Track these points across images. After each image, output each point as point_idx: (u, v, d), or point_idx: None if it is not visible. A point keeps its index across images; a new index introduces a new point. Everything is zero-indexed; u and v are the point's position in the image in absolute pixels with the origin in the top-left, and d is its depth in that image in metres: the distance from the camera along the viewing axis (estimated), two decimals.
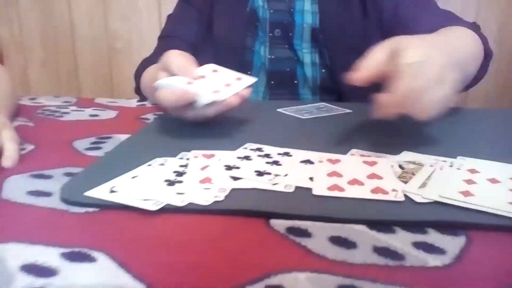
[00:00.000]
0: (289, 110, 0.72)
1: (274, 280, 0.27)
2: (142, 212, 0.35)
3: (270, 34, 0.85)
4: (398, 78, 0.45)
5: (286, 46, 0.85)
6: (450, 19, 0.77)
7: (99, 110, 0.73)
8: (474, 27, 0.76)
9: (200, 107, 0.54)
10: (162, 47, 0.88)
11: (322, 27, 0.83)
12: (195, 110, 0.55)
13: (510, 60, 1.39)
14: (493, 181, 0.41)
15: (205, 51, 0.85)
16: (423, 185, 0.40)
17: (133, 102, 0.79)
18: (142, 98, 0.84)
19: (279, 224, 0.34)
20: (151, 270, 0.28)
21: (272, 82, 0.87)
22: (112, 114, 0.71)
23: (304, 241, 0.32)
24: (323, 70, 0.85)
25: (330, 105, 0.76)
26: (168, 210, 0.36)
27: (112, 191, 0.39)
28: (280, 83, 0.86)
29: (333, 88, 0.85)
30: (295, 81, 0.86)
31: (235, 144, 0.51)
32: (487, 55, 0.74)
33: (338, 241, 0.32)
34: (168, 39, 0.90)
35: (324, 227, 0.34)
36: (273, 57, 0.86)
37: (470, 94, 1.42)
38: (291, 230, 0.33)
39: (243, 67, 0.85)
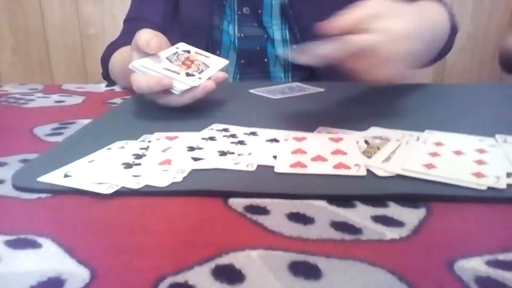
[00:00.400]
0: (260, 91, 0.71)
1: (225, 259, 0.26)
2: (96, 196, 0.34)
3: (239, 12, 0.83)
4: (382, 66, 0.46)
5: (256, 24, 0.84)
6: None
7: (65, 96, 0.70)
8: (442, 2, 0.75)
9: (177, 93, 0.53)
10: (129, 30, 0.85)
11: (291, 3, 0.82)
12: (171, 97, 0.54)
13: (485, 36, 1.39)
14: (458, 153, 0.40)
15: (173, 31, 0.83)
16: (387, 159, 0.39)
17: (102, 87, 0.77)
18: (112, 83, 0.82)
19: (238, 203, 0.33)
20: (98, 254, 0.27)
21: (242, 61, 0.85)
22: (78, 99, 0.68)
23: (261, 219, 0.31)
24: (294, 47, 0.84)
25: (303, 85, 0.75)
26: (123, 193, 0.34)
27: (66, 176, 0.37)
28: (251, 62, 0.85)
29: (304, 65, 0.84)
30: (266, 60, 0.84)
31: (202, 126, 0.49)
32: (454, 29, 0.74)
33: (295, 217, 0.31)
34: (135, 22, 0.87)
35: (283, 204, 0.33)
36: (242, 35, 0.84)
37: (446, 70, 1.43)
38: (249, 208, 0.32)
39: (212, 47, 0.83)
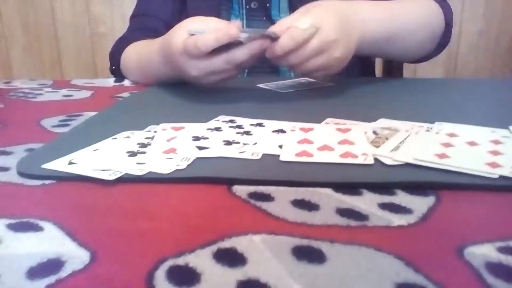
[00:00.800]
0: (269, 85, 0.70)
1: (227, 243, 0.26)
2: (100, 182, 0.34)
3: (247, 7, 0.83)
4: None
5: (264, 18, 0.84)
6: None
7: (74, 91, 0.71)
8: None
9: (244, 40, 0.51)
10: (138, 26, 0.86)
11: None
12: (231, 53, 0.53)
13: (498, 33, 1.37)
14: (472, 143, 0.39)
15: None
16: (396, 148, 0.38)
17: (111, 82, 0.77)
18: (121, 78, 0.82)
19: (242, 190, 0.32)
20: (99, 237, 0.27)
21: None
22: (87, 94, 0.69)
23: (265, 205, 0.30)
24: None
25: (311, 80, 0.74)
26: (127, 180, 0.34)
27: (70, 163, 0.37)
28: (259, 57, 0.84)
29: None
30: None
31: (209, 118, 0.49)
32: (448, 25, 0.74)
33: (300, 204, 0.30)
34: (144, 18, 0.87)
35: (288, 191, 0.32)
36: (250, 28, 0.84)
37: (458, 67, 1.41)
38: (253, 195, 0.32)
39: None
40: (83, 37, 1.46)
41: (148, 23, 0.85)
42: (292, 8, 0.82)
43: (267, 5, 0.82)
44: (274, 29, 0.53)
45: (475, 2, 1.36)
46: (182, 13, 0.85)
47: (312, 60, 0.54)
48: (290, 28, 0.52)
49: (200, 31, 0.52)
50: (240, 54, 0.53)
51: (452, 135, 0.41)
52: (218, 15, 0.82)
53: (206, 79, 0.57)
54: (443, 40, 0.75)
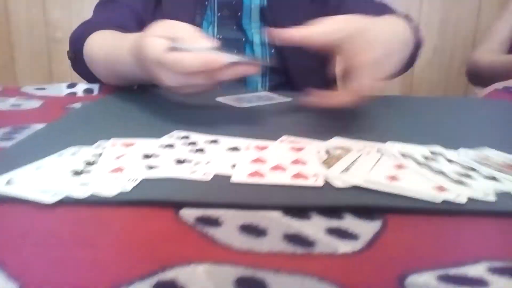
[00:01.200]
0: (228, 99, 0.70)
1: (169, 274, 0.25)
2: (38, 205, 0.32)
3: (218, 14, 0.83)
4: (358, 75, 0.49)
5: (235, 26, 0.84)
6: (386, 9, 0.79)
7: (23, 100, 0.67)
8: (407, 18, 0.76)
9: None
10: (105, 15, 0.80)
11: (270, 6, 0.82)
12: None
13: (452, 50, 1.43)
14: (422, 165, 0.40)
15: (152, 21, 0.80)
16: (346, 169, 0.38)
17: (63, 89, 0.74)
18: (79, 68, 0.77)
19: (189, 214, 0.31)
20: (30, 268, 0.25)
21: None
22: (36, 103, 0.66)
23: (211, 231, 0.29)
24: (272, 51, 0.84)
25: (271, 94, 0.74)
26: (68, 202, 0.32)
27: (8, 183, 0.35)
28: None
29: (281, 69, 0.84)
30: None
31: (163, 133, 0.48)
32: (418, 44, 0.75)
33: (248, 229, 0.30)
34: (114, 5, 0.81)
35: (237, 215, 0.31)
36: (220, 37, 0.84)
37: (414, 83, 1.46)
38: (200, 219, 0.31)
39: None
40: (39, 43, 1.40)
41: (116, 11, 0.80)
42: (264, 18, 0.82)
43: (238, 13, 0.83)
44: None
45: (431, 18, 1.42)
46: (156, 12, 0.82)
47: None
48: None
49: (184, 47, 0.49)
50: (223, 75, 0.50)
51: (404, 155, 0.42)
52: (193, 20, 0.81)
53: (181, 90, 0.54)
54: (411, 60, 0.75)
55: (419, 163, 0.40)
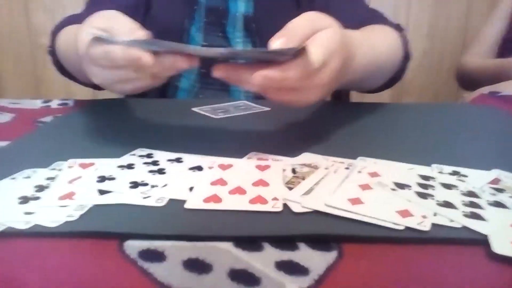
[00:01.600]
0: (204, 109, 0.68)
1: None
2: None
3: (205, 20, 0.81)
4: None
5: (220, 34, 0.82)
6: (376, 17, 0.75)
7: None
8: (398, 28, 0.74)
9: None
10: (93, 9, 0.78)
11: (255, 16, 0.81)
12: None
13: (441, 54, 1.41)
14: (395, 185, 0.38)
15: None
16: (309, 191, 0.36)
17: (38, 103, 0.73)
18: (57, 62, 0.75)
19: (133, 247, 0.30)
20: None
21: (204, 71, 0.83)
22: (6, 117, 0.64)
23: (153, 267, 0.27)
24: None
25: (250, 103, 0.72)
26: (10, 234, 0.31)
27: None
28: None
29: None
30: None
31: (128, 148, 0.46)
32: (406, 57, 0.72)
33: (192, 264, 0.28)
34: (102, 5, 0.78)
35: (184, 247, 0.29)
36: (206, 44, 0.82)
37: (404, 87, 1.43)
38: (144, 253, 0.29)
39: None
40: (23, 49, 1.38)
41: (103, 7, 0.78)
42: (247, 27, 0.80)
43: (223, 22, 0.81)
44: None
45: (420, 21, 1.39)
46: (144, 18, 0.81)
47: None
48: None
49: (112, 40, 0.44)
50: (151, 67, 0.43)
51: (374, 174, 0.40)
52: (182, 24, 0.80)
53: (113, 87, 0.49)
54: (399, 74, 0.74)
55: (388, 184, 0.38)
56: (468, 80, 1.09)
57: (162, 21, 0.81)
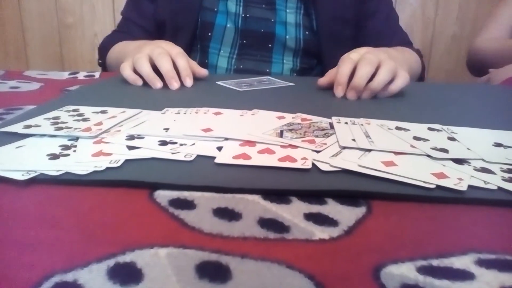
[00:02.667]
0: (228, 83, 0.68)
1: (128, 256, 0.23)
2: (11, 183, 0.31)
3: None
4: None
5: (264, 5, 0.82)
6: (405, 42, 0.89)
7: (23, 82, 0.67)
8: (419, 53, 0.88)
9: None
10: (124, 29, 0.91)
11: None
12: None
13: (470, 37, 1.36)
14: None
15: (164, 29, 0.86)
16: (337, 154, 0.36)
17: (65, 74, 0.74)
18: (105, 70, 0.86)
19: (163, 196, 0.30)
20: None
21: (244, 41, 0.83)
22: (35, 86, 0.65)
23: (183, 214, 0.28)
24: (307, 33, 0.82)
25: (273, 79, 0.72)
26: (42, 181, 0.31)
27: None
28: (252, 44, 0.84)
29: (314, 52, 0.85)
30: (270, 45, 0.83)
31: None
32: (420, 78, 0.87)
33: (222, 212, 0.28)
34: (128, 24, 0.91)
35: (213, 198, 0.30)
36: (248, 15, 0.82)
37: (430, 71, 1.41)
38: (174, 202, 0.29)
39: (201, 27, 0.84)
40: (50, 28, 1.40)
41: (130, 30, 0.90)
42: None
43: None
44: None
45: (449, 6, 1.36)
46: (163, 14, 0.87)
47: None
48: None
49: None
50: None
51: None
52: (200, 1, 0.82)
53: None
54: (420, 80, 0.88)
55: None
56: (481, 65, 1.02)
57: (180, 1, 0.84)
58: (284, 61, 0.85)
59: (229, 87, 0.65)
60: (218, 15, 0.83)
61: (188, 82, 0.63)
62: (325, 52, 0.84)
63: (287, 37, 0.83)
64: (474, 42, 1.06)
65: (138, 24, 0.89)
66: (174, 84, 0.62)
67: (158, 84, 0.62)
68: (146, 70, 0.62)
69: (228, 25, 0.83)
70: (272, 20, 0.82)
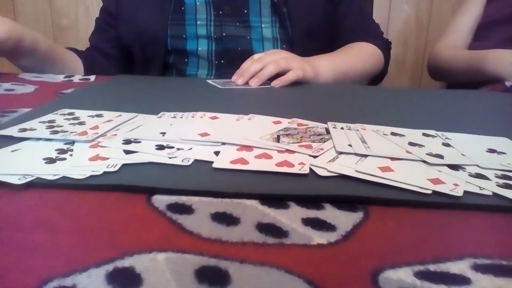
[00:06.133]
0: (216, 82, 0.69)
1: (127, 261, 0.23)
2: (7, 187, 0.31)
3: (220, 12, 0.82)
4: None
5: (238, 23, 0.82)
6: (376, 35, 0.93)
7: (17, 85, 0.67)
8: (387, 45, 0.92)
9: None
10: (88, 55, 0.91)
11: (285, 1, 0.82)
12: None
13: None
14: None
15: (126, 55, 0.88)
16: (334, 159, 0.36)
17: (60, 77, 0.74)
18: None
19: (161, 201, 0.30)
20: None
21: (222, 61, 0.83)
22: (30, 89, 0.65)
23: (181, 218, 0.28)
24: (284, 46, 0.83)
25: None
26: (39, 185, 0.31)
27: None
28: (232, 63, 0.83)
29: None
30: None
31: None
32: (383, 71, 0.91)
33: (220, 217, 0.28)
34: (92, 50, 0.92)
35: (211, 203, 0.30)
36: (224, 35, 0.82)
37: (424, 75, 1.42)
38: (172, 206, 0.29)
39: (176, 56, 0.85)
40: (44, 30, 1.39)
41: (94, 55, 0.91)
42: (276, 12, 0.83)
43: (245, 11, 0.83)
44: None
45: (442, 12, 1.38)
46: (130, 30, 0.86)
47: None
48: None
49: None
50: None
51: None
52: (167, 31, 0.82)
53: None
54: (382, 74, 0.93)
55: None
56: (440, 71, 1.03)
57: (147, 33, 0.83)
58: None
59: (215, 85, 0.67)
60: (188, 40, 0.82)
61: None
62: None
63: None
64: (433, 47, 1.07)
65: (100, 50, 0.90)
66: None
67: None
68: None
69: (200, 48, 0.83)
70: (248, 37, 0.83)
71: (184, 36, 0.82)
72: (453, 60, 0.97)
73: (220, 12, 0.82)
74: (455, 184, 0.32)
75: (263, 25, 0.83)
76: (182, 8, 0.81)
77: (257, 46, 0.83)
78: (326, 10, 0.86)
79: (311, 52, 0.80)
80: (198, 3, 0.81)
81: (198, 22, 0.82)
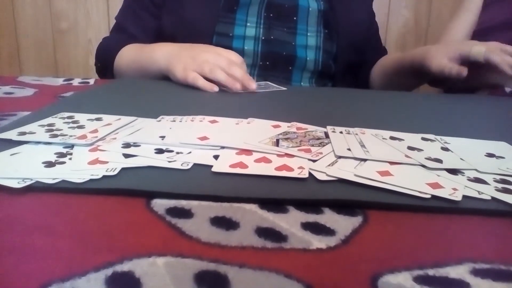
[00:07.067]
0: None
1: (126, 265, 0.23)
2: (6, 191, 0.31)
3: (270, 14, 0.83)
4: None
5: (285, 29, 0.83)
6: (384, 51, 1.00)
7: (17, 88, 0.67)
8: None
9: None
10: (117, 37, 0.89)
11: (332, 10, 0.85)
12: None
13: None
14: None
15: (173, 37, 0.85)
16: (333, 163, 0.36)
17: (59, 81, 0.74)
18: (107, 76, 0.84)
19: (160, 205, 0.30)
20: None
21: (267, 63, 0.84)
22: (29, 92, 0.65)
23: (180, 222, 0.28)
24: (325, 56, 0.86)
25: (271, 84, 0.73)
26: (38, 189, 0.31)
27: None
28: (274, 66, 0.84)
29: (329, 74, 0.89)
30: (290, 67, 0.85)
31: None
32: None
33: (219, 221, 0.28)
34: (121, 31, 0.90)
35: (210, 207, 0.30)
36: (272, 38, 0.84)
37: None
38: (171, 210, 0.29)
39: None
40: (43, 33, 1.39)
41: (122, 38, 0.88)
42: (324, 21, 0.85)
43: (294, 18, 0.84)
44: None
45: (441, 16, 1.38)
46: (157, 33, 0.87)
47: None
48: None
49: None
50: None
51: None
52: (215, 26, 0.82)
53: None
54: None
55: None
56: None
57: (195, 27, 0.83)
58: (302, 82, 0.86)
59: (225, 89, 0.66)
60: (234, 40, 0.83)
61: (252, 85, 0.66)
62: (339, 75, 0.89)
63: (308, 59, 0.84)
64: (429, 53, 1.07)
65: (129, 32, 0.88)
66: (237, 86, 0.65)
67: (237, 85, 0.65)
68: (223, 77, 0.65)
69: (246, 48, 0.83)
70: (293, 43, 0.84)
71: (231, 34, 0.82)
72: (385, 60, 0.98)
73: (271, 15, 0.82)
74: (454, 189, 0.32)
75: (308, 34, 0.84)
76: (235, 8, 0.82)
77: (300, 52, 0.84)
78: (367, 24, 0.92)
79: (348, 68, 0.84)
80: (252, 4, 0.82)
81: (248, 24, 0.82)
